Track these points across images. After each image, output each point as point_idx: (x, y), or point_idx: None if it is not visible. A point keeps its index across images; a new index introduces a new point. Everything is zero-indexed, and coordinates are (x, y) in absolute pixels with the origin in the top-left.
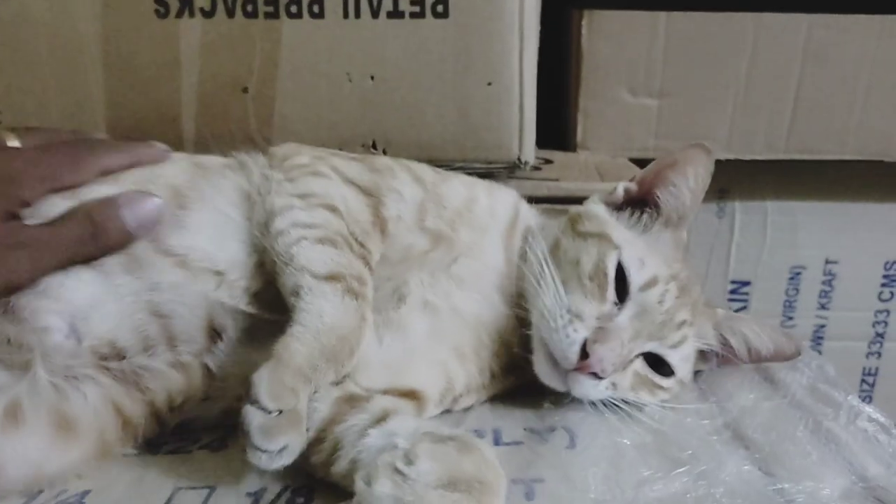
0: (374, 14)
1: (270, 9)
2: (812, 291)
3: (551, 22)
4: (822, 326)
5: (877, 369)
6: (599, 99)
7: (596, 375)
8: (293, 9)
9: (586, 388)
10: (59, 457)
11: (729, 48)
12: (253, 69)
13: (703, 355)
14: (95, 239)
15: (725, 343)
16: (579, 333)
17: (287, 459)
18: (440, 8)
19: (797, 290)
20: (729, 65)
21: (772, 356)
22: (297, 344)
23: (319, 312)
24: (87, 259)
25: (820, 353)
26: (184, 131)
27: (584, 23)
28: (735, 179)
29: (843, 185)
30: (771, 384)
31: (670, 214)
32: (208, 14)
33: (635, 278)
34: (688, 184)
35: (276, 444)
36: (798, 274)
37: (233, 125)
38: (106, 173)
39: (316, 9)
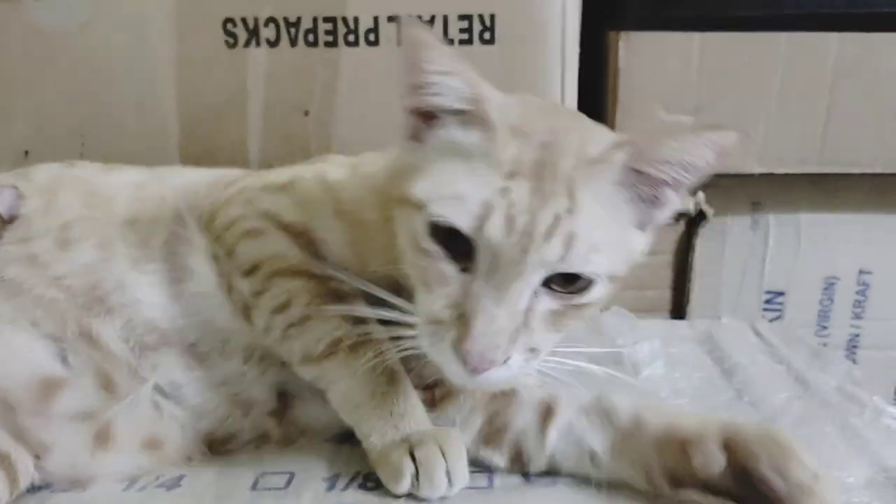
0: None
1: (330, 38)
2: (846, 302)
3: (589, 43)
4: (857, 336)
5: None
6: (636, 116)
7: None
8: (351, 38)
9: (499, 378)
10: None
11: (761, 66)
12: (313, 94)
13: (646, 207)
14: None
15: (654, 179)
16: (444, 341)
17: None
18: (487, 35)
19: (831, 300)
20: (762, 82)
21: (717, 158)
22: (360, 427)
23: (342, 392)
24: None
25: (855, 361)
26: (249, 153)
27: (620, 44)
28: (768, 193)
29: (874, 198)
30: (802, 384)
31: (459, 107)
32: (273, 44)
33: (461, 221)
34: (442, 67)
35: (439, 488)
36: (832, 284)
37: (294, 147)
38: None
39: (372, 37)
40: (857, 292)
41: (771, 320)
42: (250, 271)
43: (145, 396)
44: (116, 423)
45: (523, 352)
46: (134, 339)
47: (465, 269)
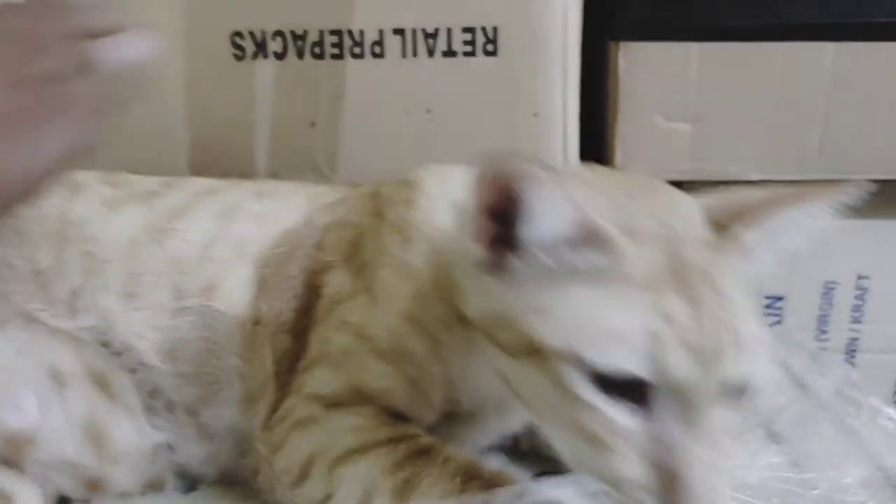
0: (430, 53)
1: (336, 50)
2: (845, 306)
3: (589, 53)
4: (856, 340)
5: None
6: (636, 124)
7: None
8: (356, 50)
9: None
10: None
11: (759, 75)
12: (320, 106)
13: None
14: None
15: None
16: None
17: None
18: (490, 47)
19: (830, 304)
20: (760, 91)
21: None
22: None
23: None
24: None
25: (854, 365)
26: (257, 163)
27: (620, 54)
28: None
29: (872, 204)
30: (800, 388)
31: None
32: (280, 56)
33: (632, 365)
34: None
35: None
36: (831, 289)
37: (301, 157)
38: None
39: (377, 49)
40: (856, 297)
41: (771, 325)
42: (301, 476)
43: None
44: None
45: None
46: None
47: (640, 412)
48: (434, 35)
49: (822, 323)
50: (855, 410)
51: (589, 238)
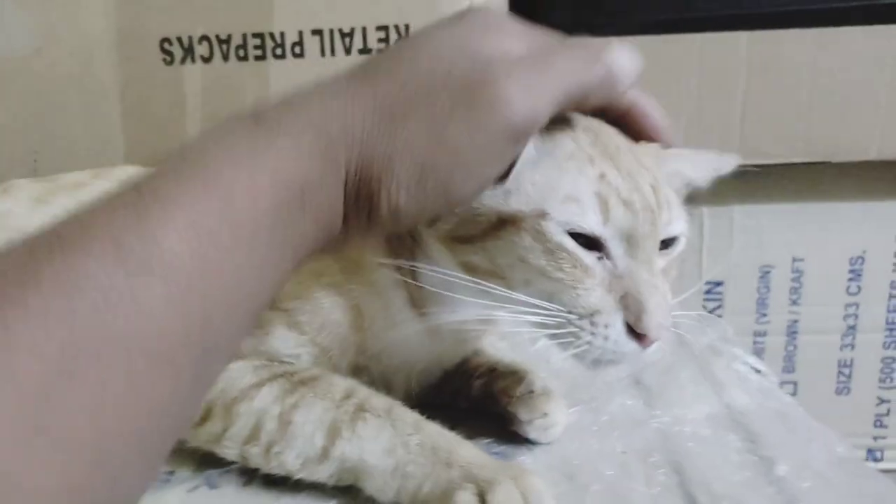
0: (347, 51)
1: (259, 53)
2: (782, 289)
3: None
4: (796, 321)
5: (852, 360)
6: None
7: None
8: (278, 51)
9: (662, 345)
10: None
11: (678, 67)
12: (246, 105)
13: None
14: (594, 65)
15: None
16: (614, 328)
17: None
18: None
19: (768, 287)
20: (680, 82)
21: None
22: (410, 488)
23: (372, 468)
24: (585, 91)
25: (796, 346)
26: None
27: None
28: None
29: (801, 189)
30: (680, 345)
31: None
32: (207, 60)
33: (588, 222)
34: None
35: None
36: (767, 273)
37: None
38: None
39: (297, 50)
40: (792, 279)
41: (712, 310)
42: (203, 418)
43: None
44: None
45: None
46: None
47: (599, 258)
48: (350, 34)
49: (762, 306)
50: (717, 359)
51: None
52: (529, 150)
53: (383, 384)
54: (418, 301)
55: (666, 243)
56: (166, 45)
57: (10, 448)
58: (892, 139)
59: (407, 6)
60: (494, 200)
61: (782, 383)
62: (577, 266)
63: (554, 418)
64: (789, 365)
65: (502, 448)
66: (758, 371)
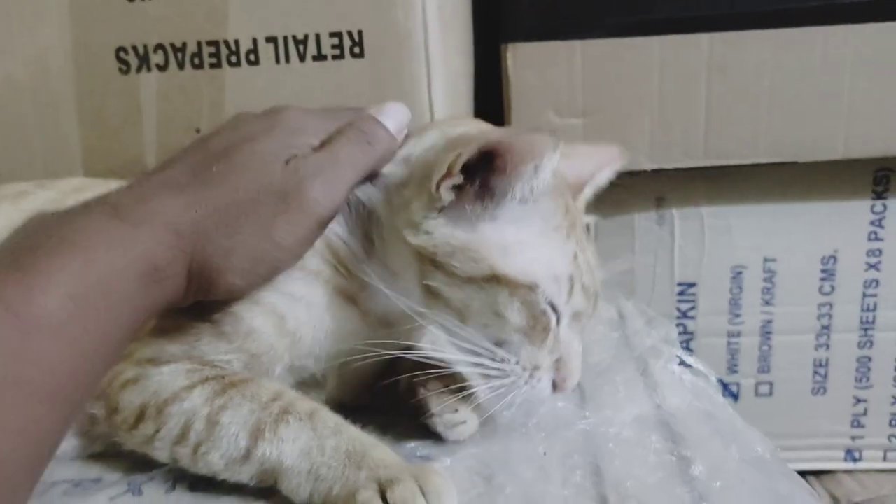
0: (302, 58)
1: (214, 60)
2: (755, 289)
3: (488, 57)
4: (769, 322)
5: (827, 360)
6: (529, 121)
7: None
8: (233, 59)
9: None
10: None
11: (640, 68)
12: (202, 112)
13: None
14: (370, 142)
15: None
16: (544, 381)
17: None
18: (357, 50)
19: (740, 288)
20: (642, 83)
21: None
22: (321, 491)
23: (290, 470)
24: (367, 174)
25: (770, 347)
26: (147, 168)
27: (508, 55)
28: (670, 187)
29: (770, 189)
30: (626, 346)
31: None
32: (162, 68)
33: (560, 301)
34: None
35: None
36: (739, 273)
37: None
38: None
39: (252, 57)
40: (764, 279)
41: (685, 311)
42: (136, 422)
43: None
44: None
45: None
46: None
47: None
48: (304, 41)
49: (735, 307)
50: (656, 360)
51: (544, 191)
52: (516, 210)
53: (322, 378)
54: (350, 292)
55: None
56: (121, 55)
57: None
58: (857, 138)
59: (359, 12)
60: (491, 256)
61: (758, 384)
62: (544, 329)
63: (463, 416)
64: (764, 365)
65: (427, 451)
66: (696, 371)
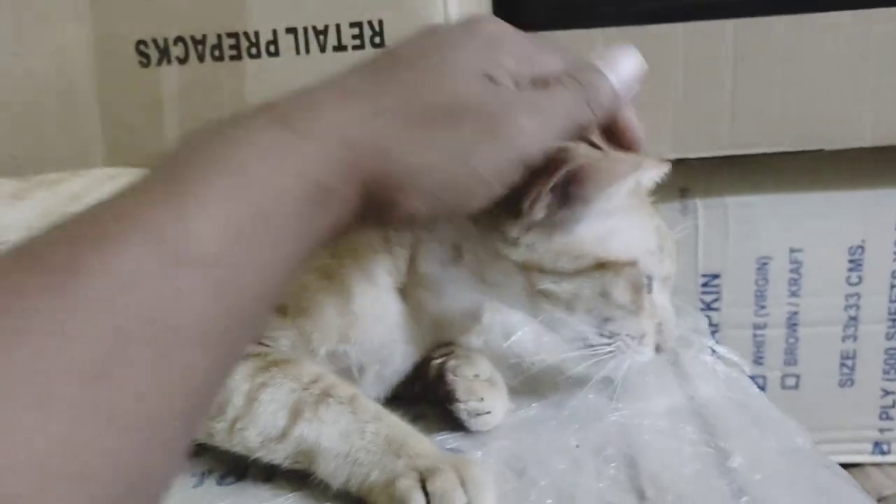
0: (322, 49)
1: (234, 52)
2: (781, 280)
3: None
4: (795, 313)
5: (855, 352)
6: None
7: None
8: (253, 51)
9: None
10: None
11: (663, 56)
12: (223, 105)
13: None
14: (589, 102)
15: None
16: (648, 346)
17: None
18: (377, 40)
19: (766, 279)
20: (666, 72)
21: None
22: (358, 476)
23: (327, 452)
24: (582, 128)
25: (797, 339)
26: None
27: None
28: (694, 178)
29: (796, 178)
30: None
31: None
32: (183, 61)
33: (656, 270)
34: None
35: None
36: (765, 264)
37: None
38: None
39: (272, 49)
40: (791, 270)
41: (710, 303)
42: None
43: None
44: None
45: None
46: None
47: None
48: (324, 32)
49: (760, 298)
50: (686, 351)
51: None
52: (608, 205)
53: (358, 371)
54: (409, 287)
55: None
56: (142, 48)
57: (68, 427)
58: (885, 124)
59: (379, 3)
60: (593, 249)
61: (784, 376)
62: (646, 300)
63: (489, 405)
64: (791, 358)
65: (458, 443)
66: (728, 361)
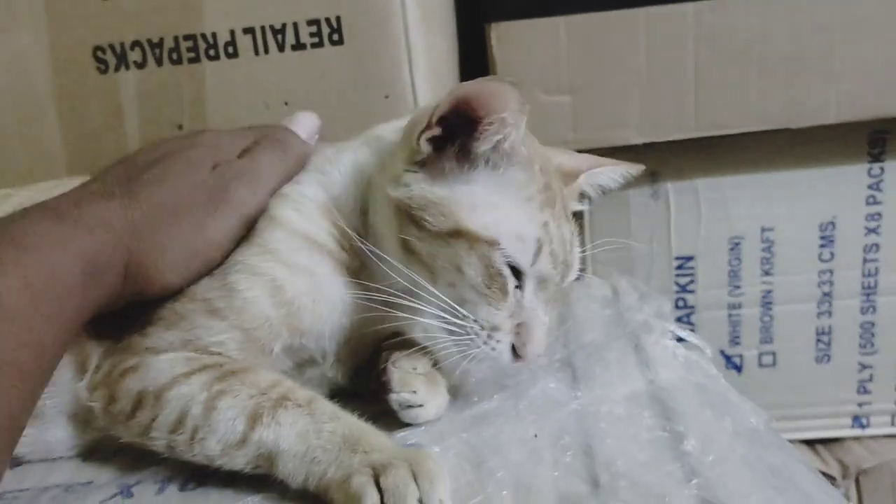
0: (280, 48)
1: (192, 55)
2: (753, 259)
3: (474, 37)
4: (769, 292)
5: (830, 328)
6: None
7: None
8: (211, 52)
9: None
10: None
11: (627, 41)
12: (184, 108)
13: None
14: (285, 151)
15: (584, 197)
16: (502, 344)
17: None
18: (335, 37)
19: (739, 259)
20: (629, 56)
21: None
22: (315, 474)
23: (286, 453)
24: (286, 179)
25: (771, 317)
26: None
27: (492, 35)
28: (664, 162)
29: (764, 158)
30: (618, 324)
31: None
32: (140, 65)
33: (524, 261)
34: (512, 120)
35: None
36: (737, 244)
37: None
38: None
39: (231, 49)
40: (763, 249)
41: (685, 285)
42: (133, 409)
43: None
44: None
45: None
46: None
47: (516, 287)
48: (282, 30)
49: (734, 278)
50: (648, 336)
51: (516, 158)
52: (510, 173)
53: (323, 358)
54: (353, 268)
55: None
56: (99, 54)
57: None
58: (850, 101)
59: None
60: (459, 212)
61: (761, 355)
62: (501, 289)
63: (421, 398)
64: (766, 336)
65: (418, 439)
66: (689, 345)
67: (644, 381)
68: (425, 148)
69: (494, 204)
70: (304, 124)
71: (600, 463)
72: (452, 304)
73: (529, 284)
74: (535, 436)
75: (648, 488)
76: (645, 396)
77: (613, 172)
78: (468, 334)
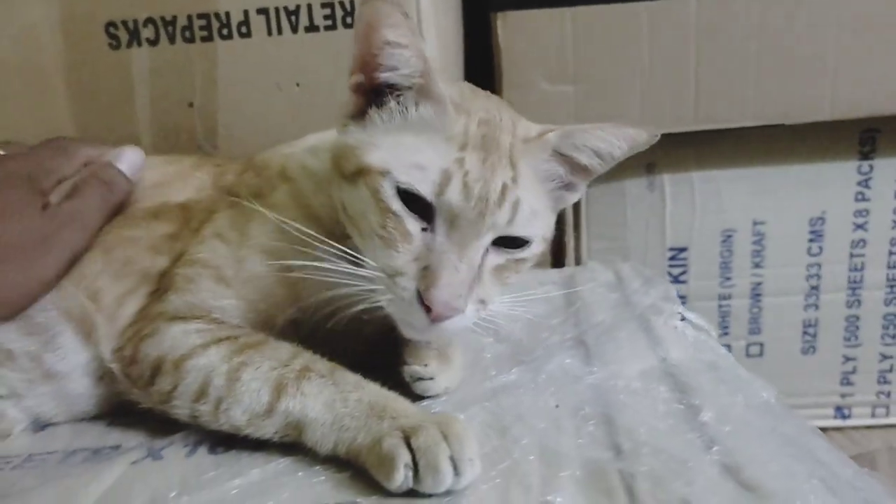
0: (294, 30)
1: (205, 33)
2: (745, 252)
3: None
4: (759, 284)
5: (816, 320)
6: (520, 89)
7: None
8: (224, 31)
9: (456, 325)
10: None
11: (629, 34)
12: (195, 86)
13: (562, 189)
14: (111, 189)
15: (574, 164)
16: (408, 291)
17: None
18: (349, 20)
19: (731, 251)
20: (631, 49)
21: (629, 151)
22: (345, 441)
23: (313, 422)
24: (112, 214)
25: (760, 308)
26: (142, 144)
27: (499, 24)
28: (660, 154)
29: (759, 152)
30: (626, 306)
31: (411, 82)
32: (153, 42)
33: (424, 189)
34: (399, 40)
35: (443, 479)
36: (730, 237)
37: (183, 136)
38: (88, 162)
39: (244, 29)
40: (754, 242)
41: (677, 275)
42: (153, 375)
43: None
44: None
45: (476, 302)
46: None
47: (425, 229)
48: (296, 12)
49: (726, 270)
50: (657, 317)
51: (426, 94)
52: (423, 112)
53: (326, 336)
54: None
55: (512, 243)
56: (112, 30)
57: None
58: (844, 99)
59: None
60: (365, 149)
61: (748, 345)
62: (398, 229)
63: (431, 372)
64: (755, 327)
65: (440, 408)
66: (697, 326)
67: (656, 359)
68: (351, 99)
69: (401, 142)
70: (130, 160)
71: (622, 432)
72: (354, 253)
73: (440, 224)
74: (557, 406)
75: (671, 454)
76: (658, 372)
77: (603, 131)
78: (374, 284)
